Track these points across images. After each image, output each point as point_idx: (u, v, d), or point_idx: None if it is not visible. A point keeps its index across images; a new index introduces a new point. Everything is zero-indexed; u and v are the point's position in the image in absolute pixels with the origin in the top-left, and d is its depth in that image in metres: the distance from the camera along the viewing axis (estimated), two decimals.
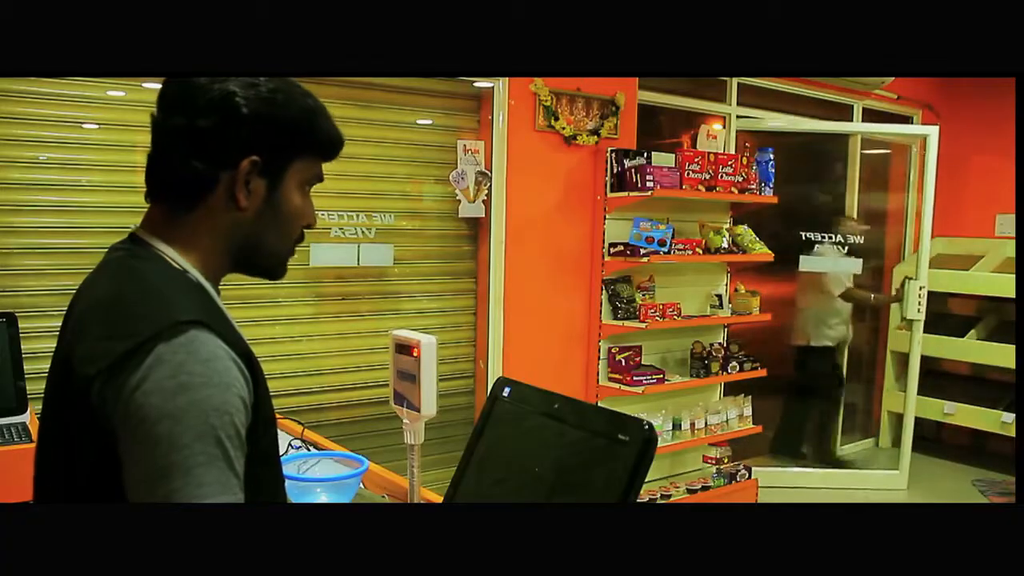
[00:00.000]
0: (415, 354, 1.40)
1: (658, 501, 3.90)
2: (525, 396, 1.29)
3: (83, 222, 2.75)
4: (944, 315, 5.25)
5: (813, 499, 4.58)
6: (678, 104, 4.40)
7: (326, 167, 1.08)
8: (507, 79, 3.51)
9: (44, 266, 2.70)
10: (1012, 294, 4.81)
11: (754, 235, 4.13)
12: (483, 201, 3.56)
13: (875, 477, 4.86)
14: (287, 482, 1.12)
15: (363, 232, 3.32)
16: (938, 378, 5.18)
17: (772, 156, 4.08)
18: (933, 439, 5.42)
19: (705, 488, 4.04)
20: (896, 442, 5.33)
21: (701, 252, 3.83)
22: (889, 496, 4.68)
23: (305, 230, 1.07)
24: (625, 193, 3.66)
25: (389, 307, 3.48)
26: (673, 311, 3.77)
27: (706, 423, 4.04)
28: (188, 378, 0.84)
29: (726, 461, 4.15)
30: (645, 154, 3.72)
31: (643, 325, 3.66)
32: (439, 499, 1.49)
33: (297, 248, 1.08)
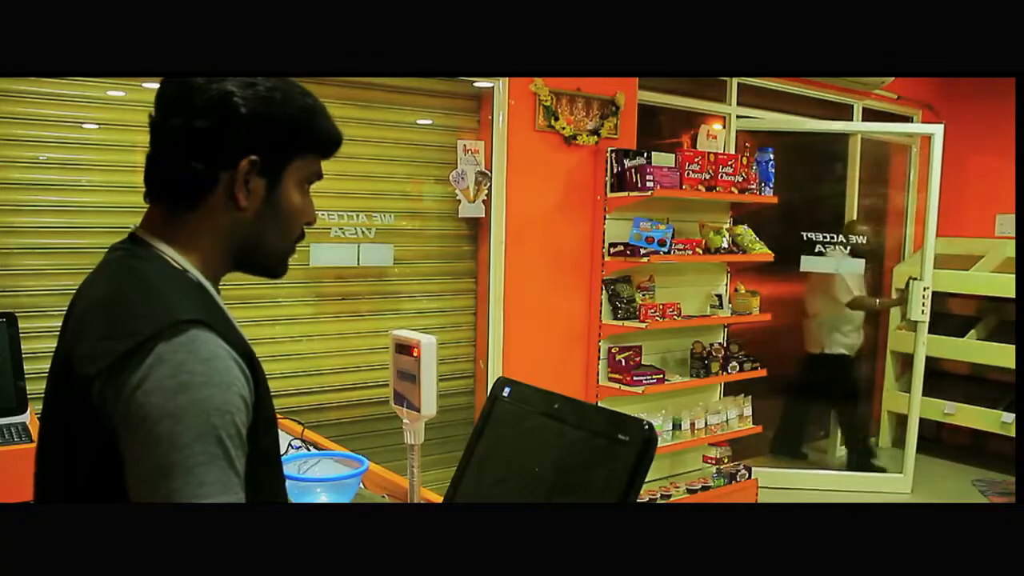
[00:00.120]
0: (415, 354, 1.40)
1: (658, 501, 3.90)
2: (525, 396, 1.29)
3: (83, 222, 2.75)
4: (944, 315, 5.25)
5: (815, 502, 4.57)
6: (678, 104, 4.40)
7: (326, 167, 1.08)
8: (507, 79, 3.51)
9: (44, 266, 2.70)
10: (1012, 294, 4.81)
11: (754, 235, 4.13)
12: (483, 201, 3.56)
13: (879, 480, 4.83)
14: (287, 482, 1.11)
15: (363, 232, 3.32)
16: (938, 378, 5.18)
17: (772, 156, 4.08)
18: (933, 439, 5.41)
19: (705, 488, 4.04)
20: (896, 442, 5.34)
21: (701, 252, 3.83)
22: (893, 500, 4.68)
23: (305, 228, 1.07)
24: (625, 193, 3.66)
25: (389, 307, 3.48)
26: (673, 311, 3.77)
27: (706, 423, 4.04)
28: (189, 377, 0.84)
29: (726, 461, 4.15)
30: (645, 154, 3.72)
31: (643, 325, 3.66)
32: (439, 499, 1.49)
33: (297, 247, 1.08)
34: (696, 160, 3.74)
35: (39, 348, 2.58)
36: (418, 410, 1.42)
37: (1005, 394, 4.96)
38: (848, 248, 4.70)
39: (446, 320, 3.66)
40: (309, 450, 1.93)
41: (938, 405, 5.05)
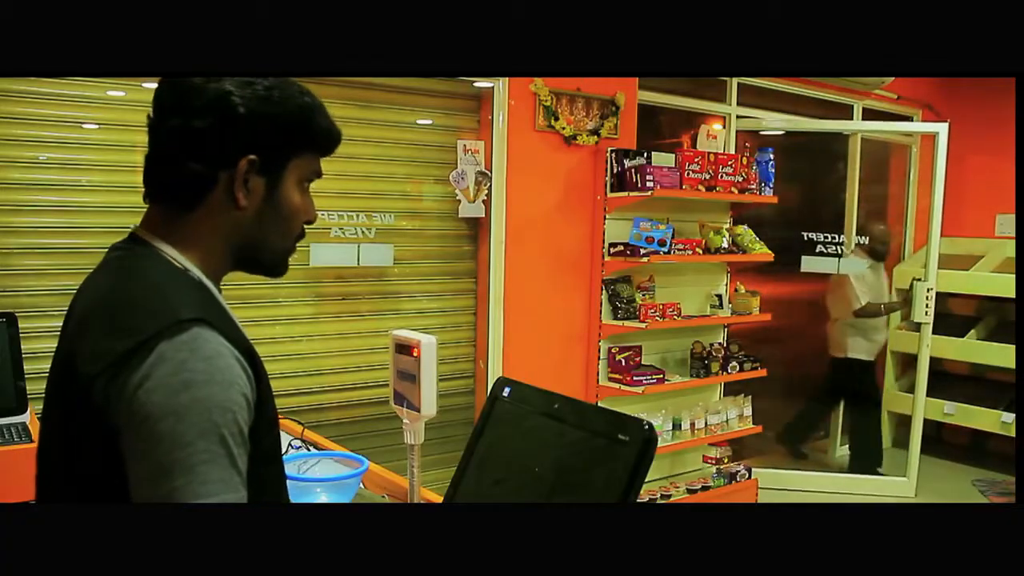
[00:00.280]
0: (415, 354, 1.40)
1: (658, 501, 3.90)
2: (525, 396, 1.29)
3: (83, 222, 2.75)
4: (944, 315, 5.24)
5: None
6: (678, 104, 4.40)
7: (326, 167, 1.08)
8: (507, 79, 3.51)
9: (44, 266, 2.70)
10: (1012, 294, 4.81)
11: (754, 235, 4.13)
12: (483, 201, 3.56)
13: (882, 483, 4.80)
14: (287, 482, 1.11)
15: (363, 232, 3.32)
16: (938, 378, 5.18)
17: (772, 156, 4.08)
18: (933, 439, 5.41)
19: (705, 488, 4.04)
20: (897, 443, 5.33)
21: (701, 252, 3.83)
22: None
23: (306, 227, 1.07)
24: (625, 193, 3.66)
25: (389, 307, 3.48)
26: (673, 311, 3.77)
27: (706, 423, 4.04)
28: (191, 375, 0.84)
29: (726, 461, 4.15)
30: (645, 154, 3.72)
31: (643, 325, 3.66)
32: (439, 499, 1.49)
33: (297, 247, 1.08)
34: (696, 160, 3.74)
35: (39, 348, 2.58)
36: (418, 410, 1.42)
37: (1005, 394, 4.96)
38: (864, 248, 4.69)
39: (446, 320, 3.66)
40: (309, 450, 1.93)
41: (938, 405, 5.05)
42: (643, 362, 3.91)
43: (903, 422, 5.05)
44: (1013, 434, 4.79)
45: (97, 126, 2.77)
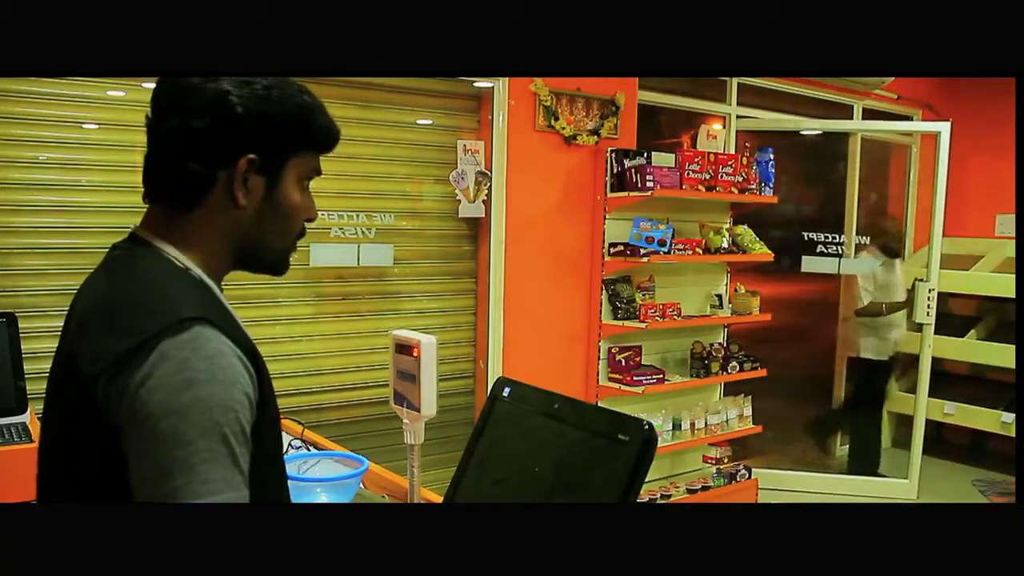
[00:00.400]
0: (415, 354, 1.40)
1: (658, 501, 3.90)
2: (525, 396, 1.29)
3: (83, 222, 2.75)
4: (944, 315, 5.24)
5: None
6: (678, 104, 4.40)
7: (327, 167, 1.07)
8: (507, 79, 3.51)
9: (44, 266, 2.70)
10: (1012, 294, 4.81)
11: (754, 235, 4.13)
12: (483, 201, 3.56)
13: (883, 485, 4.79)
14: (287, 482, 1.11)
15: (363, 232, 3.32)
16: (938, 378, 5.18)
17: (772, 156, 4.08)
18: (933, 439, 5.41)
19: (705, 488, 4.05)
20: (897, 443, 5.33)
21: (701, 252, 3.83)
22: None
23: (306, 224, 1.07)
24: (625, 193, 3.66)
25: (389, 307, 3.48)
26: (673, 311, 3.77)
27: (706, 423, 4.05)
28: (193, 374, 0.84)
29: (726, 461, 4.15)
30: (645, 154, 3.72)
31: (643, 325, 3.66)
32: (439, 499, 1.49)
33: (298, 246, 1.08)
34: (696, 160, 3.74)
35: (39, 348, 2.58)
36: (418, 410, 1.42)
37: (1005, 394, 4.95)
38: (877, 245, 4.67)
39: (446, 320, 3.66)
40: (309, 450, 1.93)
41: (938, 405, 5.05)
42: (643, 362, 3.91)
43: (903, 422, 5.05)
44: (1013, 434, 4.78)
45: (97, 126, 2.77)
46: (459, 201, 3.53)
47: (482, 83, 3.54)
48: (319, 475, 1.66)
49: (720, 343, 4.20)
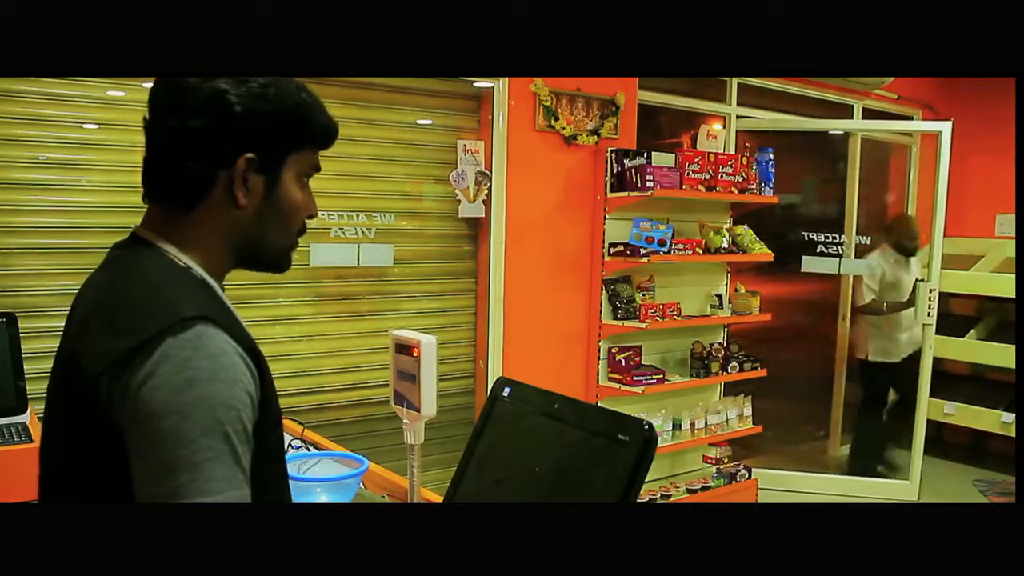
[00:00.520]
0: (415, 354, 1.40)
1: (658, 501, 3.90)
2: (525, 396, 1.29)
3: (83, 222, 2.75)
4: (944, 315, 5.24)
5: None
6: (678, 104, 4.40)
7: (327, 167, 1.07)
8: (507, 79, 3.51)
9: (44, 266, 2.70)
10: (1012, 294, 4.81)
11: (754, 235, 4.13)
12: (483, 201, 3.56)
13: (884, 486, 4.77)
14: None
15: (363, 232, 3.32)
16: (938, 378, 5.18)
17: (772, 156, 4.08)
18: (933, 439, 5.41)
19: (705, 488, 4.05)
20: (898, 443, 5.33)
21: (701, 252, 3.83)
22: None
23: (307, 221, 1.07)
24: (625, 193, 3.66)
25: (389, 307, 3.48)
26: (673, 311, 3.77)
27: (706, 423, 4.05)
28: (195, 373, 0.84)
29: (726, 461, 4.15)
30: (645, 154, 3.72)
31: (643, 325, 3.66)
32: (439, 499, 1.49)
33: (299, 243, 1.08)
34: (696, 160, 3.74)
35: (39, 348, 2.58)
36: (418, 410, 1.42)
37: (1005, 394, 4.95)
38: (890, 243, 4.65)
39: (446, 320, 3.66)
40: (309, 450, 1.93)
41: (938, 405, 5.05)
42: (643, 362, 3.91)
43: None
44: (1013, 434, 4.78)
45: (97, 126, 2.77)
46: (459, 201, 3.53)
47: (482, 83, 3.54)
48: (319, 475, 1.66)
49: (720, 343, 4.20)
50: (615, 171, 3.71)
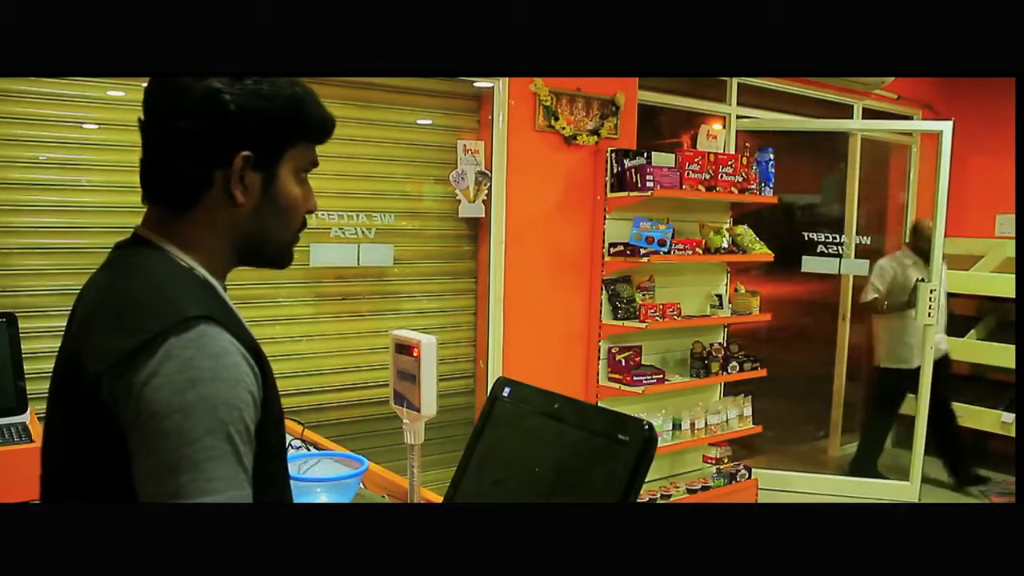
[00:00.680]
0: (415, 354, 1.40)
1: (658, 501, 3.90)
2: (525, 396, 1.29)
3: (83, 222, 2.75)
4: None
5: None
6: (678, 104, 4.40)
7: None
8: (507, 79, 3.51)
9: (44, 266, 2.70)
10: (1012, 294, 4.81)
11: (754, 235, 4.14)
12: (483, 201, 3.56)
13: (884, 487, 4.75)
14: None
15: (363, 232, 3.32)
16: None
17: (772, 156, 4.08)
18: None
19: (705, 488, 4.05)
20: (897, 442, 5.33)
21: (701, 252, 3.83)
22: None
23: (307, 216, 1.06)
24: (625, 193, 3.66)
25: (389, 307, 3.48)
26: (673, 311, 3.77)
27: (706, 423, 4.05)
28: (198, 372, 0.84)
29: (726, 461, 4.15)
30: (645, 154, 3.72)
31: (643, 325, 3.66)
32: (439, 499, 1.49)
33: (297, 247, 1.08)
34: (696, 160, 3.74)
35: (39, 348, 2.58)
36: (418, 410, 1.42)
37: (1005, 394, 4.95)
38: (908, 245, 4.63)
39: (446, 320, 3.66)
40: (309, 450, 1.93)
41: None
42: (643, 362, 3.91)
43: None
44: (1013, 434, 4.78)
45: (97, 126, 2.77)
46: (459, 201, 3.53)
47: (482, 83, 3.55)
48: (319, 475, 1.66)
49: (720, 343, 4.20)
50: (615, 171, 3.71)
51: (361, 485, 1.68)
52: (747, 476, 4.17)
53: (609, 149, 3.71)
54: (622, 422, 1.09)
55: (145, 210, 1.02)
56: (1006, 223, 5.41)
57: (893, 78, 4.95)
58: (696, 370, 4.03)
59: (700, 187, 3.76)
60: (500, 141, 3.54)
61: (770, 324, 4.26)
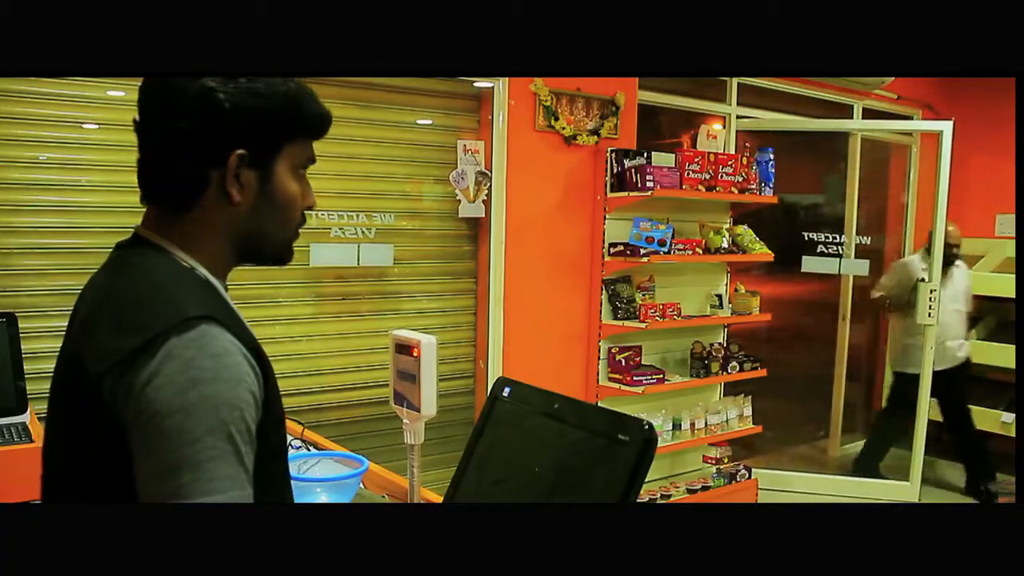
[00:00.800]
0: (415, 354, 1.40)
1: (658, 501, 3.90)
2: (525, 396, 1.29)
3: (83, 222, 2.75)
4: None
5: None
6: (678, 104, 4.40)
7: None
8: (507, 79, 3.51)
9: (44, 266, 2.70)
10: (1012, 294, 4.81)
11: (754, 235, 4.14)
12: (483, 201, 3.56)
13: (884, 487, 4.75)
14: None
15: (363, 232, 3.32)
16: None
17: (772, 156, 4.08)
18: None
19: (705, 488, 4.05)
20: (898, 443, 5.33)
21: (701, 252, 3.83)
22: None
23: (307, 212, 1.06)
24: (625, 193, 3.66)
25: (389, 307, 3.48)
26: (673, 311, 3.77)
27: (706, 423, 4.05)
28: (199, 372, 0.84)
29: (726, 461, 4.15)
30: (645, 154, 3.72)
31: (643, 325, 3.66)
32: (439, 499, 1.49)
33: (298, 245, 1.07)
34: (696, 160, 3.74)
35: (39, 348, 2.58)
36: (418, 410, 1.42)
37: (1005, 394, 4.95)
38: (925, 247, 4.62)
39: (446, 320, 3.66)
40: (309, 450, 1.93)
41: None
42: (643, 362, 3.91)
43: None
44: (1013, 434, 4.78)
45: (97, 126, 2.77)
46: (459, 201, 3.53)
47: (482, 83, 3.54)
48: (319, 475, 1.66)
49: (720, 343, 4.20)
50: (615, 171, 3.71)
51: (361, 485, 1.68)
52: (747, 476, 4.17)
53: (609, 149, 3.71)
54: (622, 422, 1.09)
55: (145, 210, 1.02)
56: (1006, 223, 5.41)
57: (893, 78, 4.95)
58: (696, 370, 4.03)
59: (700, 187, 3.76)
60: (500, 141, 3.54)
61: (770, 324, 4.25)
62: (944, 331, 4.61)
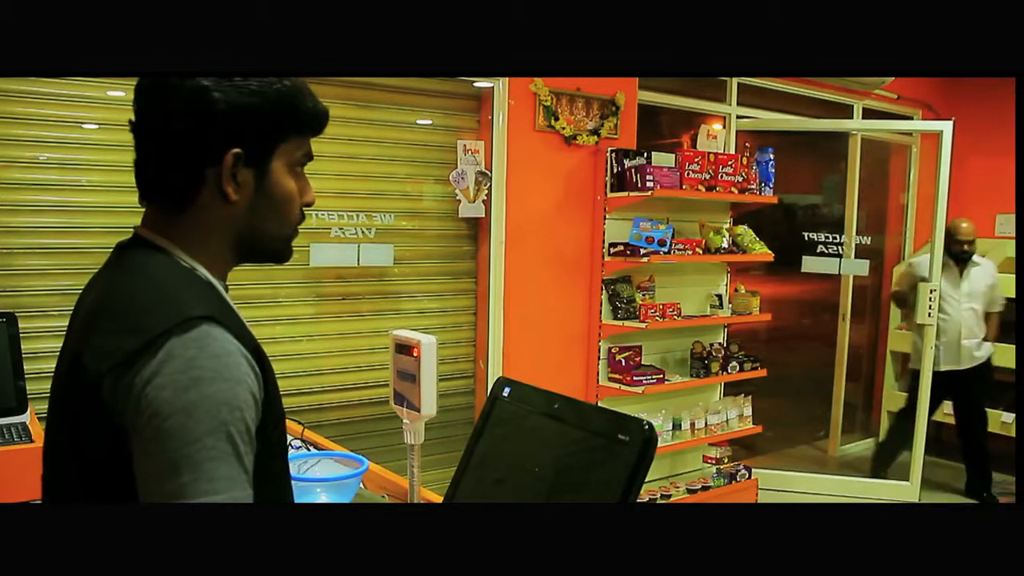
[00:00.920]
0: (415, 354, 1.40)
1: (658, 501, 3.90)
2: (525, 396, 1.29)
3: (83, 222, 2.75)
4: None
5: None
6: (678, 104, 4.40)
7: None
8: (507, 79, 3.51)
9: (44, 266, 2.70)
10: (1012, 294, 4.81)
11: (754, 235, 4.14)
12: (483, 201, 3.56)
13: (884, 487, 4.75)
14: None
15: (363, 232, 3.32)
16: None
17: (772, 156, 4.08)
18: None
19: (705, 488, 4.05)
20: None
21: (701, 252, 3.83)
22: None
23: (306, 209, 1.06)
24: (625, 193, 3.66)
25: (389, 307, 3.48)
26: (673, 311, 3.77)
27: (706, 423, 4.05)
28: (199, 373, 0.84)
29: (726, 461, 4.16)
30: (645, 154, 3.72)
31: (643, 325, 3.66)
32: (439, 499, 1.49)
33: (299, 237, 1.07)
34: (696, 160, 3.74)
35: (39, 348, 2.58)
36: (418, 410, 1.42)
37: (1005, 394, 4.95)
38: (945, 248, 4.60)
39: (446, 320, 3.66)
40: (309, 450, 1.93)
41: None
42: (643, 362, 3.91)
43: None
44: (1013, 434, 4.78)
45: (97, 126, 2.77)
46: (459, 201, 3.53)
47: (482, 83, 3.55)
48: (319, 475, 1.66)
49: (720, 343, 4.20)
50: (615, 171, 3.71)
51: (361, 485, 1.68)
52: (747, 476, 4.17)
53: (609, 149, 3.71)
54: (622, 422, 1.09)
55: (144, 211, 1.02)
56: (1006, 223, 5.41)
57: (893, 78, 4.95)
58: (696, 370, 4.03)
59: (700, 187, 3.76)
60: (500, 141, 3.54)
61: (770, 324, 4.26)
62: (947, 329, 4.59)
